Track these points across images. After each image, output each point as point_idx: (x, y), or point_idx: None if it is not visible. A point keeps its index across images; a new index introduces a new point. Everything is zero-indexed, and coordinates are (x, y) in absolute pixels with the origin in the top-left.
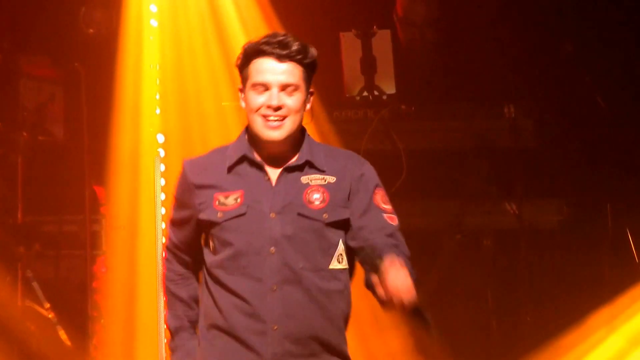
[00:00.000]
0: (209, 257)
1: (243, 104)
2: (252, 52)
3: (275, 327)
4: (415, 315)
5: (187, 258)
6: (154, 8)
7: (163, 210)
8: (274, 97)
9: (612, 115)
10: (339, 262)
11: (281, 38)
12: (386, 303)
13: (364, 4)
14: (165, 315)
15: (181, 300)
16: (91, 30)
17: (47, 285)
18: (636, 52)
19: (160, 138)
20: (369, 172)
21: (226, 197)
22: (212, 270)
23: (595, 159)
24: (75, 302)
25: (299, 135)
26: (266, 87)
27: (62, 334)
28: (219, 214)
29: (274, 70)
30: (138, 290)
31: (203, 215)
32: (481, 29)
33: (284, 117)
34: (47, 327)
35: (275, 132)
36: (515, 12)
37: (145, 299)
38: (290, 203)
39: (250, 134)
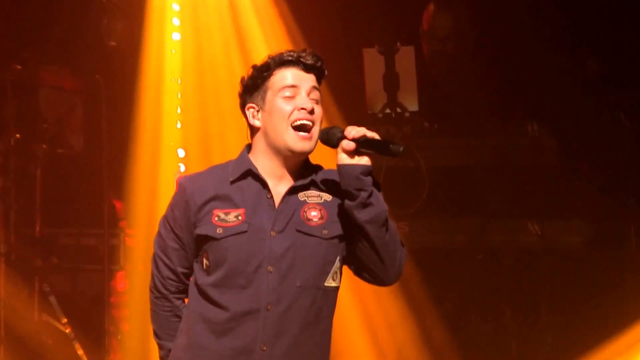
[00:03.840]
0: (200, 275)
1: (257, 123)
2: (277, 63)
3: (264, 348)
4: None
5: (185, 286)
6: (176, 21)
7: None
8: (307, 101)
9: (636, 134)
10: (334, 280)
11: (310, 51)
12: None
13: (388, 21)
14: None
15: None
16: (112, 42)
17: (64, 299)
18: None
19: (181, 153)
20: None
21: (226, 214)
22: (203, 288)
23: (619, 179)
24: (92, 317)
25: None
26: (295, 91)
27: (79, 349)
28: (219, 230)
29: (302, 76)
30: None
31: (201, 231)
32: (506, 45)
33: (312, 125)
34: (63, 341)
35: (307, 144)
36: (540, 29)
37: None
38: (290, 221)
39: (259, 150)
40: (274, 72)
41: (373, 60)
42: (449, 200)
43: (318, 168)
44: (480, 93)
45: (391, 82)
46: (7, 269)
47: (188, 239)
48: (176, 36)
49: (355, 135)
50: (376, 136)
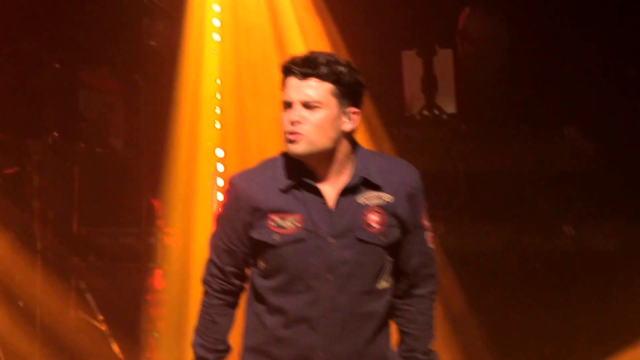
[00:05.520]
0: (258, 280)
1: None
2: (283, 72)
3: (322, 355)
4: None
5: (232, 287)
6: (216, 22)
7: None
8: (295, 112)
9: None
10: (386, 282)
11: (307, 55)
12: None
13: (427, 23)
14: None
15: (219, 329)
16: (152, 42)
17: (100, 297)
18: None
19: (220, 153)
20: (419, 185)
21: (283, 219)
22: (261, 292)
23: None
24: (128, 315)
25: (344, 154)
26: (289, 105)
27: (115, 347)
28: (276, 237)
29: (296, 88)
30: (191, 305)
31: (257, 235)
32: (543, 48)
33: (300, 134)
34: (100, 339)
35: (294, 146)
36: (578, 32)
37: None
38: (349, 227)
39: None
40: (283, 82)
41: (411, 63)
42: (485, 205)
43: (373, 159)
44: (516, 97)
45: (429, 84)
46: (44, 266)
47: (241, 239)
48: (216, 37)
49: None
50: None
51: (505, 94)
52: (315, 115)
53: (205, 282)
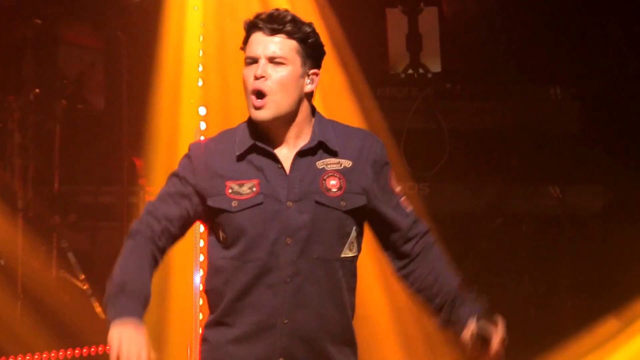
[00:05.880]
0: (217, 249)
1: None
2: (247, 28)
3: (286, 321)
4: None
5: (159, 242)
6: None
7: None
8: (260, 67)
9: None
10: (350, 251)
11: (272, 12)
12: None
13: None
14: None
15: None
16: None
17: (82, 256)
18: None
19: (202, 110)
20: (383, 152)
21: (240, 186)
22: (221, 263)
23: None
24: (110, 274)
25: (304, 116)
26: (255, 60)
27: (96, 306)
28: (234, 203)
29: (263, 43)
30: (173, 264)
31: (213, 203)
32: (529, 8)
33: (265, 95)
34: (81, 298)
35: (261, 112)
36: None
37: (180, 272)
38: (307, 190)
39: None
40: (247, 38)
41: (396, 21)
42: (469, 164)
43: (330, 125)
44: (502, 56)
45: (414, 42)
46: (25, 225)
47: (190, 199)
48: None
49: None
50: None
51: (491, 52)
52: (280, 71)
53: (135, 230)
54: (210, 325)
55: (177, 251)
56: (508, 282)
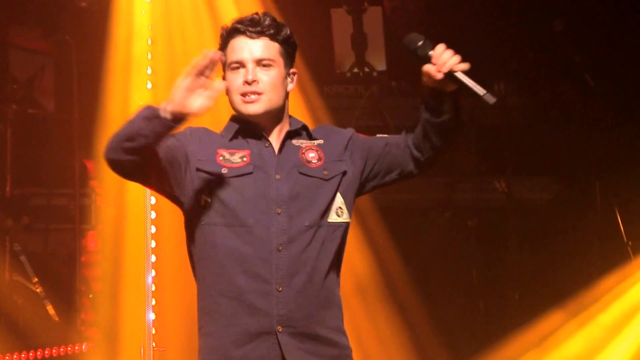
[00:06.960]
0: (207, 218)
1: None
2: (227, 34)
3: (280, 289)
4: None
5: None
6: None
7: None
8: (250, 71)
9: (601, 93)
10: (338, 216)
11: (253, 16)
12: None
13: None
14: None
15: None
16: (83, 4)
17: (35, 259)
18: (624, 30)
19: None
20: (352, 131)
21: (231, 154)
22: (212, 231)
23: (584, 137)
24: (63, 277)
25: (286, 113)
26: (242, 65)
27: (50, 309)
28: (224, 170)
29: (248, 47)
30: (125, 266)
31: (204, 166)
32: (472, 3)
33: (259, 93)
34: (34, 301)
35: (253, 106)
36: None
37: (133, 273)
38: (292, 165)
39: (237, 119)
40: (227, 43)
41: (341, 20)
42: None
43: (302, 123)
44: None
45: (359, 41)
46: None
47: (181, 149)
48: None
49: (445, 70)
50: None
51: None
52: (270, 73)
53: None
54: (207, 295)
55: (129, 252)
56: (456, 275)
